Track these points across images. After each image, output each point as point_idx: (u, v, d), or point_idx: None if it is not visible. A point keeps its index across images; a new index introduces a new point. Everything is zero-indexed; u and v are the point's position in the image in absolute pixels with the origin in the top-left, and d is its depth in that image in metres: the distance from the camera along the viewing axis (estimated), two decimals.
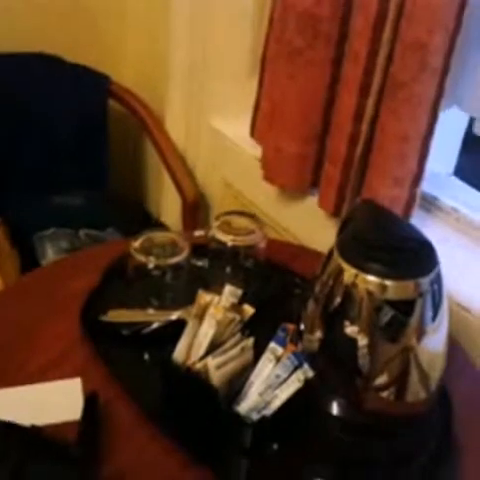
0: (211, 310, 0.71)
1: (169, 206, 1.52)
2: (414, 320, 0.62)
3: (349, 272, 0.63)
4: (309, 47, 1.00)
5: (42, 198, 1.44)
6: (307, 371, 0.65)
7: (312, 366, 0.66)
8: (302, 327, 0.70)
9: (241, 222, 0.89)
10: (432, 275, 0.62)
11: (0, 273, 1.22)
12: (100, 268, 0.88)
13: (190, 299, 0.78)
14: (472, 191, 1.19)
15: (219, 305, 0.72)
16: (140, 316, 0.81)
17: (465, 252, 1.03)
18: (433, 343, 0.66)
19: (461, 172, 1.23)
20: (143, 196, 1.65)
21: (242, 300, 0.76)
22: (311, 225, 1.16)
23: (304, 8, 0.98)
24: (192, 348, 0.71)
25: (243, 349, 0.69)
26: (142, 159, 1.61)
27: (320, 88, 1.02)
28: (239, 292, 0.74)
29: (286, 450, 0.66)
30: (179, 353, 0.71)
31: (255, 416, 0.66)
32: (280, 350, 0.68)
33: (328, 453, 0.67)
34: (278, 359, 0.67)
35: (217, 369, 0.66)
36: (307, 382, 0.65)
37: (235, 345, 0.69)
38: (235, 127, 1.32)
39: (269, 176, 1.15)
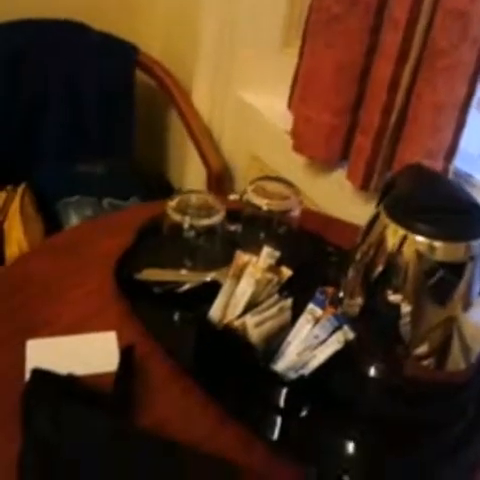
0: (250, 269, 0.70)
1: (193, 178, 1.51)
2: (462, 285, 0.61)
3: (396, 233, 0.61)
4: (347, 14, 0.98)
5: (67, 166, 1.44)
6: (347, 333, 0.64)
7: (352, 329, 0.65)
8: (341, 294, 0.69)
9: (276, 188, 0.88)
10: None
11: (26, 237, 1.21)
12: (130, 229, 0.87)
13: (223, 262, 0.77)
14: None
15: (257, 265, 0.71)
16: (173, 276, 0.80)
17: None
18: (478, 315, 0.65)
19: None
20: (167, 167, 1.64)
21: (278, 263, 0.76)
22: (338, 199, 1.15)
23: None
24: (228, 307, 0.70)
25: (281, 309, 0.68)
26: (167, 130, 1.60)
27: (357, 57, 1.01)
28: (277, 254, 0.74)
29: (322, 411, 0.66)
30: (215, 311, 0.70)
31: (293, 375, 0.65)
32: (319, 311, 0.67)
33: (365, 416, 0.66)
34: (317, 320, 0.66)
35: (255, 327, 0.65)
36: (347, 344, 0.64)
37: (273, 305, 0.69)
38: (263, 99, 1.31)
39: (299, 146, 1.14)
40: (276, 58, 1.30)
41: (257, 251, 0.75)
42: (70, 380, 0.63)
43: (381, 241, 0.63)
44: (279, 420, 0.66)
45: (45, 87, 1.41)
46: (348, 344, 0.64)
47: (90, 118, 1.47)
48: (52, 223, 1.33)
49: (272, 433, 0.65)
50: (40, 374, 0.62)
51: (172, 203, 0.80)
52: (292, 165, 1.22)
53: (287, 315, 0.69)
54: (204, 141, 1.41)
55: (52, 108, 1.42)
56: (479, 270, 0.61)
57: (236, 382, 0.66)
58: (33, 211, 1.30)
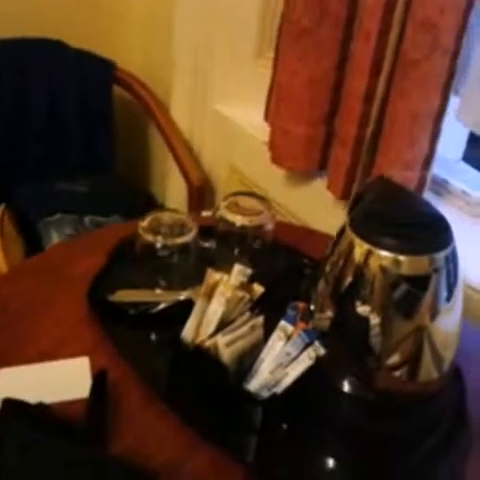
0: (220, 288, 0.70)
1: (174, 192, 1.51)
2: (428, 297, 0.61)
3: (362, 248, 0.61)
4: (317, 27, 0.99)
5: (47, 184, 1.43)
6: (318, 348, 0.64)
7: (323, 344, 0.65)
8: (312, 307, 0.69)
9: (249, 203, 0.88)
10: (447, 251, 0.61)
11: (6, 258, 1.21)
12: (106, 249, 0.87)
13: (197, 280, 0.77)
14: None
15: (228, 283, 0.71)
16: (147, 296, 0.80)
17: (475, 235, 1.02)
18: (447, 323, 0.65)
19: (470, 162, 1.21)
20: (148, 182, 1.64)
21: (251, 280, 0.75)
22: (318, 210, 1.15)
23: None
24: (201, 326, 0.70)
25: (253, 327, 0.68)
26: (147, 145, 1.60)
27: (329, 69, 1.01)
28: (248, 271, 0.73)
29: (296, 428, 0.65)
30: (188, 331, 0.70)
31: (265, 394, 0.65)
32: (290, 328, 0.67)
33: (339, 431, 0.66)
34: (288, 337, 0.66)
35: (227, 346, 0.65)
36: (318, 360, 0.64)
37: (245, 323, 0.69)
38: (240, 111, 1.31)
39: (277, 158, 1.14)
40: (251, 70, 1.31)
41: (231, 268, 0.75)
42: (41, 409, 0.62)
43: (348, 254, 0.64)
44: (254, 440, 0.65)
45: (23, 106, 1.41)
46: (320, 359, 0.64)
47: (70, 135, 1.47)
48: (33, 243, 1.32)
49: (247, 454, 0.64)
50: (11, 404, 0.61)
51: (143, 223, 0.80)
52: (271, 176, 1.22)
53: (259, 333, 0.69)
54: (184, 155, 1.41)
55: (31, 126, 1.42)
56: (445, 280, 0.61)
57: (210, 403, 0.66)
58: (13, 232, 1.30)
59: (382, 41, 0.91)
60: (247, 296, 0.71)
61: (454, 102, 0.99)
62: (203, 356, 0.65)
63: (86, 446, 0.60)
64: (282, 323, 0.67)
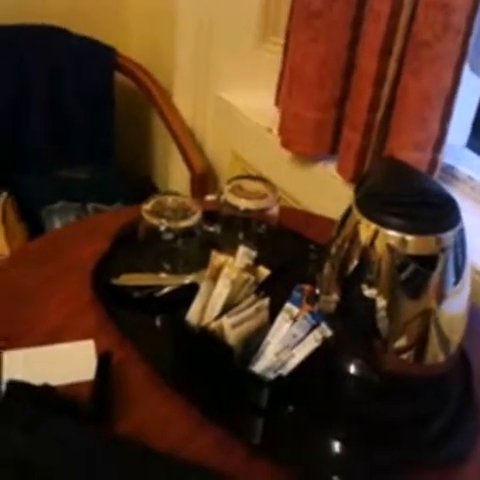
0: (226, 270, 0.69)
1: (177, 179, 1.50)
2: (435, 277, 0.60)
3: (368, 228, 0.61)
4: (329, 8, 0.98)
5: (50, 172, 1.43)
6: (325, 330, 0.64)
7: (329, 326, 0.64)
8: (318, 290, 0.69)
9: (254, 186, 0.87)
10: (455, 230, 0.60)
11: (9, 246, 1.20)
12: (110, 234, 0.87)
13: (202, 264, 0.76)
14: None
15: (233, 265, 0.70)
16: (152, 280, 0.79)
17: None
18: (454, 305, 0.65)
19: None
20: (151, 170, 1.63)
21: (256, 263, 0.75)
22: (321, 197, 1.14)
23: None
24: (206, 309, 0.69)
25: (258, 309, 0.68)
26: (150, 132, 1.59)
27: (340, 51, 1.00)
28: (253, 254, 0.73)
29: (302, 410, 0.65)
30: (193, 314, 0.70)
31: (271, 376, 0.65)
32: (296, 310, 0.66)
33: (345, 414, 0.66)
34: (294, 319, 0.66)
35: (232, 328, 0.65)
36: (324, 342, 0.64)
37: (250, 305, 0.68)
38: (243, 98, 1.30)
39: (287, 142, 1.13)
40: (254, 55, 1.30)
41: (235, 251, 0.74)
42: (46, 391, 0.62)
43: (354, 235, 0.63)
44: (260, 422, 0.65)
45: (25, 93, 1.40)
46: (326, 341, 0.64)
47: (72, 123, 1.46)
48: (36, 230, 1.32)
49: (253, 436, 0.64)
50: (15, 386, 0.61)
51: (147, 206, 0.80)
52: (274, 163, 1.21)
53: (265, 315, 0.68)
54: (186, 142, 1.40)
55: (33, 114, 1.41)
56: (452, 261, 0.61)
57: (215, 385, 0.65)
58: (16, 220, 1.30)
59: (393, 22, 0.90)
60: (252, 278, 0.71)
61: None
62: (209, 338, 0.65)
63: (91, 426, 0.60)
64: (288, 305, 0.67)
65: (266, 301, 0.69)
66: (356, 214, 0.62)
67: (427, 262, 0.59)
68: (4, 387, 0.62)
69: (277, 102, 1.17)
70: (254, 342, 0.67)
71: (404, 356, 0.65)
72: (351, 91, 1.01)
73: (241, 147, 1.34)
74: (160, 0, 1.44)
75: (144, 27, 1.53)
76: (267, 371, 0.65)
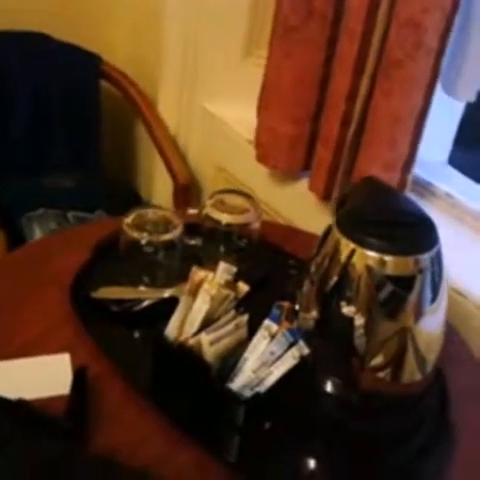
0: (205, 286, 0.69)
1: (160, 189, 1.50)
2: (413, 297, 0.61)
3: (348, 247, 0.61)
4: (304, 25, 0.99)
5: (32, 179, 1.41)
6: (302, 348, 0.64)
7: (307, 344, 0.65)
8: (297, 307, 0.69)
9: (235, 201, 0.88)
10: (432, 252, 0.61)
11: None
12: (90, 245, 0.86)
13: (182, 278, 0.76)
14: (466, 180, 1.19)
15: (213, 281, 0.70)
16: (131, 293, 0.79)
17: (459, 238, 1.03)
18: (431, 324, 0.66)
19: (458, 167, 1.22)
20: (134, 178, 1.62)
21: (236, 278, 0.75)
22: (302, 209, 1.15)
23: None
24: (185, 324, 0.69)
25: (237, 325, 0.68)
26: (134, 140, 1.58)
27: (315, 67, 1.01)
28: (233, 269, 0.73)
29: (279, 428, 0.65)
30: (171, 329, 0.69)
31: (249, 393, 0.64)
32: (275, 327, 0.66)
33: (322, 432, 0.66)
34: (273, 336, 0.66)
35: (211, 345, 0.65)
36: (302, 359, 0.64)
37: (229, 321, 0.68)
38: (228, 109, 1.30)
39: (262, 157, 1.14)
40: (239, 68, 1.30)
41: (216, 266, 0.74)
42: (21, 406, 0.61)
43: (334, 253, 0.64)
44: (237, 440, 0.65)
45: (9, 100, 1.39)
46: (304, 359, 0.64)
47: (56, 130, 1.45)
48: (16, 238, 1.31)
49: (229, 454, 0.64)
50: None
51: (128, 219, 0.79)
52: (257, 175, 1.22)
53: (243, 331, 0.68)
54: (170, 152, 1.40)
55: (16, 121, 1.39)
56: (429, 280, 0.62)
57: (192, 402, 0.65)
58: None
59: (366, 41, 0.91)
60: (232, 294, 0.71)
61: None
62: (186, 354, 0.65)
63: (67, 442, 0.59)
64: (266, 322, 0.67)
65: (245, 317, 0.69)
66: (336, 233, 0.63)
67: (405, 282, 0.60)
68: None
69: (258, 113, 1.18)
70: (232, 358, 0.67)
71: (381, 374, 0.66)
72: (325, 107, 1.02)
73: (225, 158, 1.34)
74: (147, 10, 1.44)
75: (130, 36, 1.53)
76: (245, 388, 0.65)
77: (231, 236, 0.87)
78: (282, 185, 1.19)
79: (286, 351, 0.65)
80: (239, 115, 1.27)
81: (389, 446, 0.66)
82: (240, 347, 0.67)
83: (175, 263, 0.84)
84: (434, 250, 0.62)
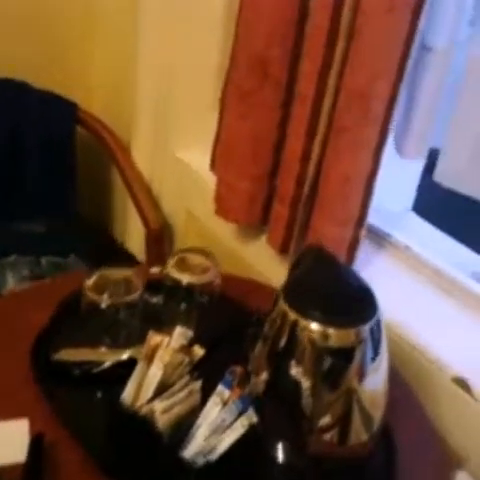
0: (160, 352, 0.71)
1: (134, 233, 1.52)
2: (354, 365, 0.64)
3: (292, 317, 0.64)
4: (259, 89, 1.03)
5: (4, 224, 1.43)
6: (251, 416, 0.66)
7: (257, 410, 0.67)
8: (250, 368, 0.71)
9: (196, 259, 0.90)
10: (372, 322, 0.64)
11: None
12: (55, 302, 0.88)
13: (144, 337, 0.78)
14: (429, 227, 1.22)
15: (168, 347, 0.72)
16: (92, 355, 0.81)
17: (415, 288, 1.06)
18: (374, 382, 0.68)
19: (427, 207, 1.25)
20: (109, 222, 1.65)
21: (195, 338, 0.77)
22: (266, 258, 1.18)
23: (254, 51, 1.00)
24: (141, 389, 0.71)
25: (191, 392, 0.70)
26: (109, 185, 1.61)
27: (270, 129, 1.05)
28: (189, 333, 0.75)
29: None
30: (128, 394, 0.71)
31: (201, 460, 0.66)
32: (227, 393, 0.69)
33: None
34: (225, 403, 0.68)
35: (163, 413, 0.66)
36: (252, 427, 0.66)
37: (183, 388, 0.70)
38: (199, 159, 1.33)
39: (221, 211, 1.18)
40: (209, 119, 1.34)
41: (175, 326, 0.76)
42: None
43: (282, 320, 0.66)
44: None
45: None
46: (253, 426, 0.66)
47: (30, 175, 1.47)
48: None
49: None
50: None
51: (89, 282, 0.82)
52: (225, 225, 1.25)
53: (196, 398, 0.70)
54: (143, 198, 1.42)
55: None
56: (370, 346, 0.64)
57: (146, 470, 0.67)
58: None
59: (317, 106, 0.95)
60: (187, 359, 0.73)
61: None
62: (139, 423, 0.66)
63: None
64: (219, 388, 0.69)
65: (198, 384, 0.71)
66: (282, 304, 0.66)
67: (346, 353, 0.63)
68: None
69: (212, 167, 1.22)
70: (186, 425, 0.68)
71: (328, 436, 0.68)
72: (280, 165, 1.06)
73: (195, 206, 1.38)
74: (122, 59, 1.49)
75: (105, 81, 1.56)
76: (197, 455, 0.67)
77: (192, 294, 0.89)
78: (247, 234, 1.23)
79: (236, 419, 0.67)
80: (208, 163, 1.31)
81: None
82: (193, 413, 0.69)
83: (136, 322, 0.86)
84: (374, 319, 0.65)
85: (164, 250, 1.44)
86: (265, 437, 0.68)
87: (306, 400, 0.65)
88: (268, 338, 0.70)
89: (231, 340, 0.85)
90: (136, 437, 0.67)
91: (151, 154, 1.45)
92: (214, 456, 0.66)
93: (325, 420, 0.67)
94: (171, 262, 0.88)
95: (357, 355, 0.63)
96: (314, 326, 0.62)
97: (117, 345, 0.83)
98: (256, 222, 1.16)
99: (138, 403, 0.70)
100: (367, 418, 0.69)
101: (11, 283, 1.32)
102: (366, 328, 0.63)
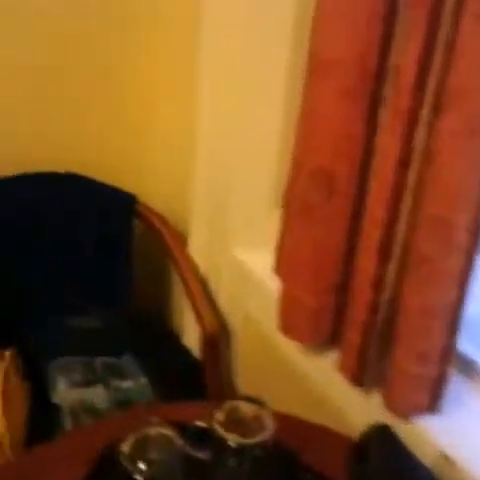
0: None
1: (190, 328, 1.45)
2: None
3: None
4: (325, 203, 0.94)
5: (59, 321, 1.40)
6: None
7: None
8: None
9: (248, 411, 0.80)
10: None
11: (6, 416, 1.16)
12: (89, 456, 0.80)
13: None
14: None
15: None
16: None
17: None
18: None
19: None
20: (165, 317, 1.59)
21: None
22: (334, 379, 1.06)
23: (318, 165, 0.92)
24: None
25: None
26: (166, 279, 1.57)
27: (337, 243, 0.95)
28: None
29: None
30: None
31: None
32: None
33: None
34: None
35: None
36: None
37: None
38: (259, 259, 1.25)
39: (284, 327, 1.07)
40: (270, 218, 1.27)
41: None
42: None
43: None
44: None
45: (38, 238, 1.39)
46: None
47: (86, 266, 1.45)
48: (40, 387, 1.28)
49: None
50: None
51: (126, 447, 0.73)
52: None
53: None
54: (199, 297, 1.36)
55: (47, 259, 1.40)
56: None
57: None
58: (18, 381, 1.26)
59: (390, 229, 0.85)
60: None
61: None
62: None
63: None
64: None
65: None
66: None
67: None
68: None
69: (276, 272, 1.12)
70: None
71: None
72: (350, 290, 0.95)
73: (254, 308, 1.29)
74: (179, 151, 1.46)
75: (164, 174, 1.54)
76: None
77: (243, 450, 0.79)
78: (312, 347, 1.11)
79: None
80: (267, 264, 1.22)
81: None
82: None
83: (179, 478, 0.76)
84: None
85: (220, 352, 1.36)
86: None
87: None
88: None
89: None
90: None
91: (208, 251, 1.39)
92: None
93: None
94: (218, 417, 0.78)
95: None
96: None
97: None
98: (321, 342, 1.04)
99: None
100: None
101: (62, 389, 1.28)
102: None
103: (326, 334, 1.02)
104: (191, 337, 1.46)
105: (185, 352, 1.46)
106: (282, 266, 1.09)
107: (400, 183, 0.82)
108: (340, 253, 0.96)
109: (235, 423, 0.78)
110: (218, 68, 1.25)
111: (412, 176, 0.81)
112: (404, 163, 0.81)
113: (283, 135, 1.18)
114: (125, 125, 1.50)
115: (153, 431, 0.76)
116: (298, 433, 0.89)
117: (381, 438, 0.62)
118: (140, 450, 0.74)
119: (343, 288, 0.98)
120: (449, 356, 0.87)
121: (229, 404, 0.80)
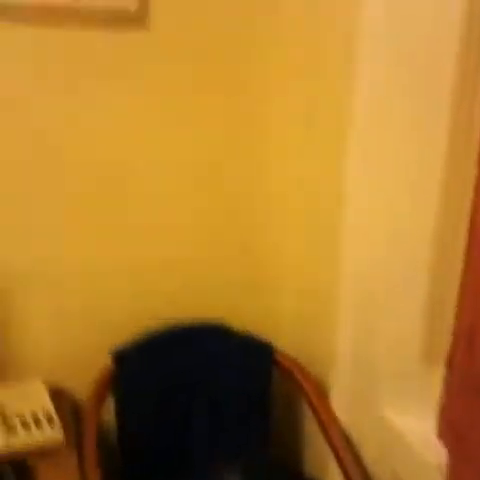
0: None
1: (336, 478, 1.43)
2: None
3: None
4: None
5: (202, 471, 1.42)
6: None
7: None
8: None
9: None
10: None
11: None
12: None
13: None
14: None
15: None
16: None
17: None
18: None
19: None
20: (303, 466, 1.58)
21: None
22: None
23: None
24: None
25: None
26: (303, 428, 1.56)
27: None
28: None
29: None
30: None
31: None
32: None
33: None
34: None
35: None
36: None
37: None
38: (410, 422, 1.23)
39: None
40: (419, 375, 1.23)
41: None
42: None
43: None
44: None
45: (187, 383, 1.44)
46: None
47: (230, 420, 1.47)
48: None
49: None
50: None
51: None
52: None
53: None
54: (343, 451, 1.36)
55: (195, 416, 1.45)
56: None
57: None
58: None
59: None
60: None
61: None
62: None
63: None
64: None
65: None
66: None
67: None
68: None
69: (439, 435, 1.06)
70: None
71: None
72: None
73: (402, 469, 1.27)
74: (315, 292, 1.46)
75: (299, 318, 1.54)
76: None
77: None
78: None
79: None
80: (419, 428, 1.20)
81: None
82: None
83: None
84: None
85: None
86: None
87: None
88: None
89: None
90: None
91: (351, 405, 1.39)
92: None
93: None
94: None
95: None
96: None
97: None
98: None
99: None
100: None
101: None
102: None
103: None
104: None
105: None
106: (445, 432, 1.04)
107: None
108: None
109: None
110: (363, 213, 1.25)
111: None
112: None
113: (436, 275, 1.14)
114: (259, 271, 1.55)
115: None
116: None
117: None
118: None
119: None
120: None
121: None
